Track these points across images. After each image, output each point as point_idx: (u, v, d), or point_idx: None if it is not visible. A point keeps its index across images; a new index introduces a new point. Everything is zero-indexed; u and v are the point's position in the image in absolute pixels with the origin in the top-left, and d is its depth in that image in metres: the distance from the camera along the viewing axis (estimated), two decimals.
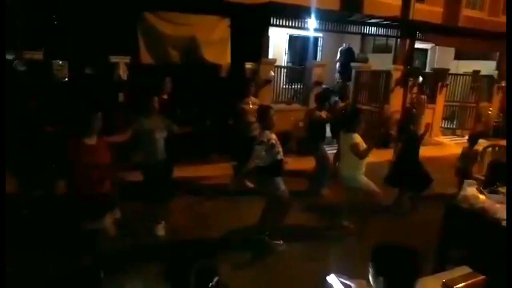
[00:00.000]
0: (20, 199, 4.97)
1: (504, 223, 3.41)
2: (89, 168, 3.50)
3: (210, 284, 1.80)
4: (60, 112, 5.85)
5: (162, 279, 1.85)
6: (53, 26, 7.03)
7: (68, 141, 3.61)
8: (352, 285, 2.22)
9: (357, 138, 5.10)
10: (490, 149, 6.97)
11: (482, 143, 8.31)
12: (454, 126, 12.81)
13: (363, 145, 5.05)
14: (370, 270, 2.00)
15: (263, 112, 4.86)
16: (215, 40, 8.18)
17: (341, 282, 2.27)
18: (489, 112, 12.82)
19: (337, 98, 7.99)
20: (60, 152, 3.64)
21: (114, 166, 3.83)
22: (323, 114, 6.61)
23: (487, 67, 13.01)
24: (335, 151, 7.55)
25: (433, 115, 11.47)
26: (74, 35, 6.96)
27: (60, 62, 6.92)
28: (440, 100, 11.74)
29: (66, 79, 6.90)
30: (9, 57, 6.49)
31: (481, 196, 3.76)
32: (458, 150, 10.69)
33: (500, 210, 3.56)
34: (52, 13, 7.07)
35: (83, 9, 7.00)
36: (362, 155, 4.96)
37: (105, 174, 3.63)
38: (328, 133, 7.18)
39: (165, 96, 6.15)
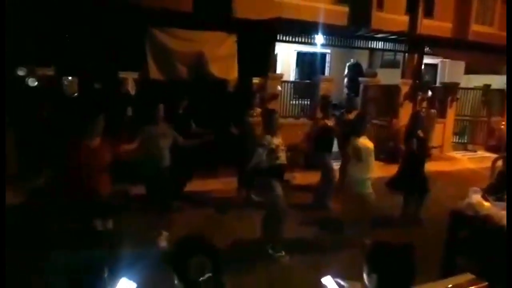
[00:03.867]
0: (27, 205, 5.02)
1: None
2: (90, 169, 3.55)
3: (201, 278, 1.81)
4: (69, 125, 5.96)
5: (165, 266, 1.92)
6: (64, 44, 7.24)
7: (70, 143, 3.68)
8: (346, 285, 2.18)
9: (362, 141, 5.16)
10: (500, 160, 6.84)
11: (493, 157, 8.21)
12: (465, 141, 12.62)
13: (368, 146, 5.14)
14: (364, 267, 1.97)
15: (268, 115, 4.91)
16: (222, 55, 8.30)
17: (336, 283, 2.23)
18: (502, 126, 12.62)
19: (343, 110, 7.97)
20: (63, 155, 3.71)
21: (116, 172, 3.87)
22: (330, 122, 6.61)
23: (498, 81, 12.85)
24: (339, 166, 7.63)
25: (443, 129, 11.35)
26: (84, 52, 7.15)
27: (70, 78, 7.10)
28: (451, 114, 11.61)
29: (76, 94, 7.06)
30: (21, 73, 6.70)
31: (486, 204, 3.69)
32: (470, 165, 10.71)
33: (505, 217, 3.48)
34: (63, 31, 7.30)
35: (93, 27, 7.21)
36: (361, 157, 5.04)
37: (105, 177, 3.67)
38: (335, 148, 7.15)
39: (180, 111, 6.38)
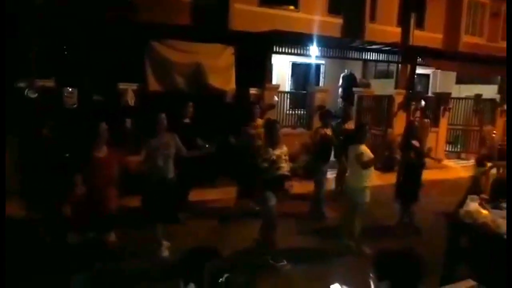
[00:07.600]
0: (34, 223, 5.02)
1: None
2: (98, 180, 3.59)
3: (220, 279, 1.87)
4: (69, 136, 5.98)
5: (175, 276, 1.95)
6: (64, 55, 7.30)
7: (78, 155, 3.72)
8: None
9: (364, 148, 5.24)
10: (494, 169, 6.98)
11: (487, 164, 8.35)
12: (458, 150, 12.82)
13: (368, 155, 5.20)
14: (372, 275, 2.04)
15: (270, 126, 4.98)
16: (220, 67, 8.40)
17: None
18: (493, 135, 12.83)
19: (339, 120, 8.08)
20: (71, 169, 3.73)
21: (122, 183, 3.92)
22: (328, 131, 6.72)
23: (489, 91, 13.15)
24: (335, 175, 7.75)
25: (437, 138, 11.52)
26: (84, 63, 7.21)
27: (70, 89, 7.14)
28: (443, 123, 11.81)
29: (75, 105, 7.09)
30: (21, 84, 6.74)
31: (484, 211, 3.79)
32: (464, 173, 10.87)
33: (503, 225, 3.58)
34: (63, 43, 7.36)
35: (92, 39, 7.28)
36: (366, 164, 5.09)
37: (112, 189, 3.71)
38: (332, 157, 7.25)
39: (187, 120, 6.34)
